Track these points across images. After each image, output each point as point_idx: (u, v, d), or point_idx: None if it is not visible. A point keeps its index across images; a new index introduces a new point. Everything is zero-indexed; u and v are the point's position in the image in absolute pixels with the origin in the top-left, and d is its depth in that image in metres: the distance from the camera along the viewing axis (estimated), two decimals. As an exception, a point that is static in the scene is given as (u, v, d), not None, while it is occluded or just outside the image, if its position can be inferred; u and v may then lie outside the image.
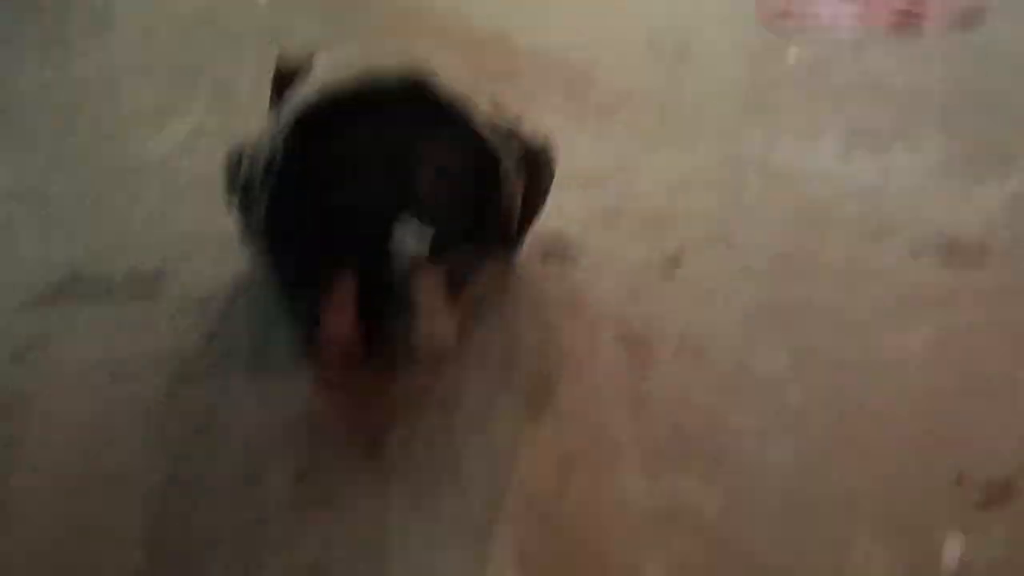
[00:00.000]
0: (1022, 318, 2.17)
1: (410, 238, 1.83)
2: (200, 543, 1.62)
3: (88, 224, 2.57)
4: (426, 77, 1.89)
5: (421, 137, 1.90)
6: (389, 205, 1.89)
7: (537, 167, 2.11)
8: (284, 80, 2.11)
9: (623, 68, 3.61)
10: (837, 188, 2.74)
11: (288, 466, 1.76)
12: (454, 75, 1.99)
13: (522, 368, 1.99)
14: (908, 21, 4.14)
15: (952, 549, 1.57)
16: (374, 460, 1.77)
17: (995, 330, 2.12)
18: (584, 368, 1.99)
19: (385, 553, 1.58)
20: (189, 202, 2.62)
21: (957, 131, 3.11)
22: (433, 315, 1.89)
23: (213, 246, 2.41)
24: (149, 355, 2.04)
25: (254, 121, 2.17)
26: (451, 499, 1.68)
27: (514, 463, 1.75)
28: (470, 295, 2.05)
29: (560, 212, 2.51)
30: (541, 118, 2.30)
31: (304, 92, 1.93)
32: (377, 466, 1.76)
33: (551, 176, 2.18)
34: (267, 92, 2.22)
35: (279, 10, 4.13)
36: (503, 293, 2.23)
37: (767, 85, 3.53)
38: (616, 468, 1.74)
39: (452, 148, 1.92)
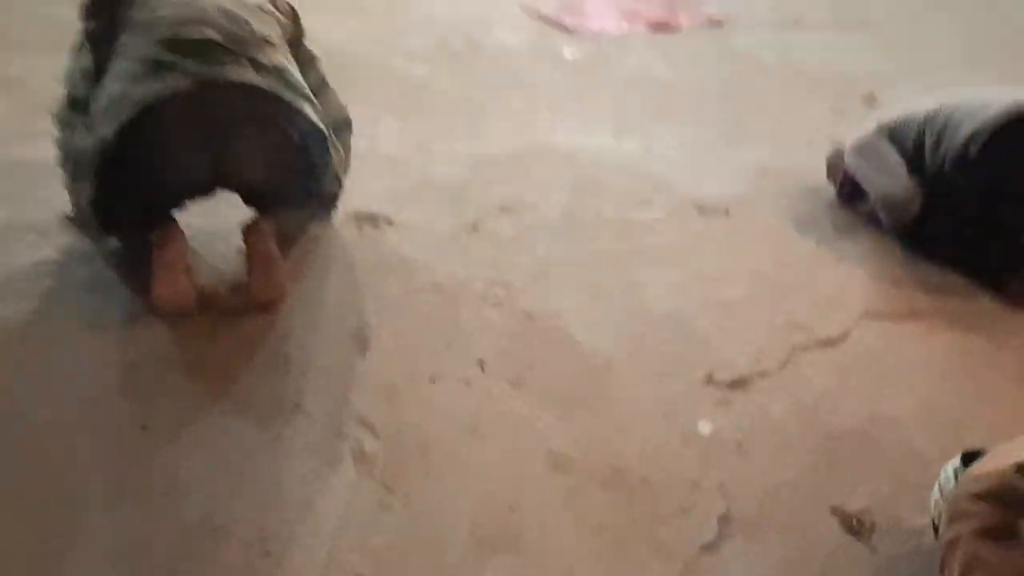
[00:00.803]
0: (755, 258, 2.66)
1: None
2: (59, 470, 1.75)
3: None
4: (270, 75, 2.09)
5: (251, 119, 2.08)
6: (210, 178, 2.13)
7: (348, 133, 2.38)
8: (104, 11, 2.19)
9: (418, 66, 3.93)
10: (610, 162, 3.18)
11: (134, 413, 1.92)
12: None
13: (348, 313, 2.24)
14: (665, 27, 4.73)
15: (705, 425, 1.98)
16: (219, 398, 1.96)
17: (734, 267, 2.60)
18: (402, 312, 2.27)
19: (239, 472, 1.78)
20: (10, 185, 2.66)
21: (705, 115, 3.66)
22: (266, 267, 2.10)
23: (29, 231, 2.48)
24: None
25: (46, 117, 2.28)
26: (294, 424, 1.90)
27: (347, 390, 2.00)
28: (296, 250, 2.27)
29: (371, 189, 2.79)
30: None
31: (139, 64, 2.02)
32: (222, 404, 1.95)
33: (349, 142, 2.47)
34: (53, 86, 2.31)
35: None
36: (326, 253, 2.47)
37: (548, 78, 3.96)
38: (435, 390, 2.03)
39: (284, 127, 2.12)
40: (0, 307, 2.18)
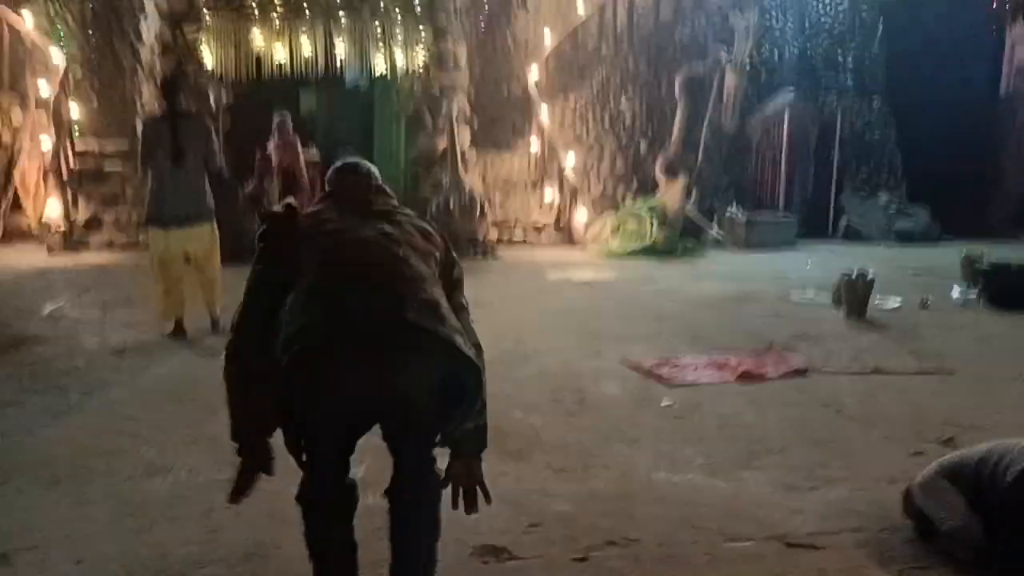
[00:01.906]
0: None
1: None
2: None
3: (126, 549, 3.10)
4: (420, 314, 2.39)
5: (406, 349, 2.39)
6: (371, 406, 2.44)
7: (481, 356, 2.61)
8: (276, 236, 2.59)
9: (533, 416, 4.54)
10: (703, 499, 3.58)
11: None
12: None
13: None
14: (753, 377, 5.29)
15: None
16: None
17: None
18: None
19: None
20: (200, 527, 3.24)
21: (791, 457, 4.07)
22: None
23: (236, 553, 3.03)
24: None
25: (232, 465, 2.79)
26: None
27: None
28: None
29: (493, 525, 3.26)
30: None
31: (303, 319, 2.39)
32: None
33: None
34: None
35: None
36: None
37: (647, 424, 4.50)
38: None
39: (437, 357, 2.41)
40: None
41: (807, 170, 12.07)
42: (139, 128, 6.67)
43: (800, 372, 5.41)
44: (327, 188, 2.81)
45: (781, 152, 11.67)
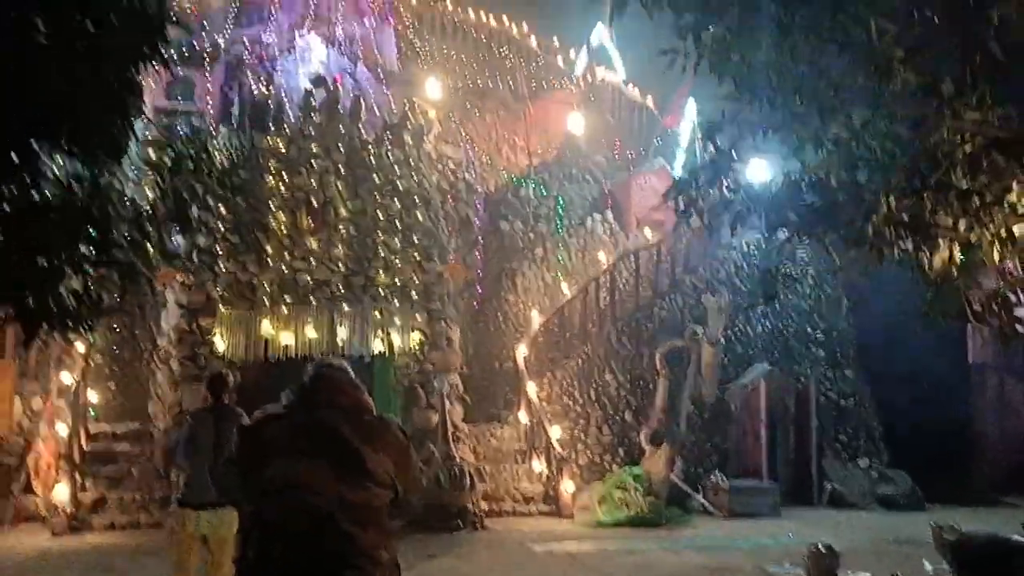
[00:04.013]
0: None
1: None
2: None
3: None
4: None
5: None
6: None
7: None
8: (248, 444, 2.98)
9: None
10: None
11: None
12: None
13: None
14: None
15: None
16: None
17: None
18: None
19: None
20: None
21: None
22: None
23: None
24: None
25: None
26: None
27: None
28: None
29: None
30: None
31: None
32: None
33: None
34: None
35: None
36: None
37: None
38: None
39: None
40: None
41: (787, 437, 12.54)
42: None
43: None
44: (305, 384, 3.06)
45: (760, 420, 12.19)
